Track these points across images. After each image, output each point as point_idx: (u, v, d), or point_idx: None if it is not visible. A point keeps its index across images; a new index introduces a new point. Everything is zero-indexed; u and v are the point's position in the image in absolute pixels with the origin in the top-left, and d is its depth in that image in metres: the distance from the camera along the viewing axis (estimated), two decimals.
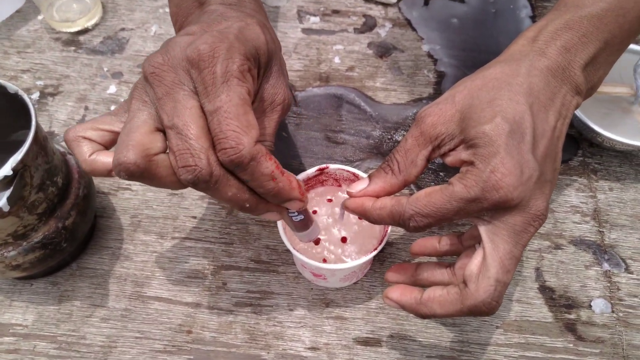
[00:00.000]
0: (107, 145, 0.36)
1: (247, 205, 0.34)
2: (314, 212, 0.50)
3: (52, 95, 0.62)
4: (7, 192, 0.39)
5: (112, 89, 0.63)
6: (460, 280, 0.39)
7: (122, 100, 0.62)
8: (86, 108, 0.62)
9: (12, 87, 0.42)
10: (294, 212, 0.38)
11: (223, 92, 0.31)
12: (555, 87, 0.37)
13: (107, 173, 0.35)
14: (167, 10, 0.70)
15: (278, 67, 0.37)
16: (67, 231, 0.46)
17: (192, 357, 0.47)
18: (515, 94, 0.35)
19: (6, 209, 0.39)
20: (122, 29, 0.68)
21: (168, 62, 0.33)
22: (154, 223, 0.54)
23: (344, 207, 0.40)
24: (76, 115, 0.61)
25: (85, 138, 0.35)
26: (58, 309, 0.49)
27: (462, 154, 0.36)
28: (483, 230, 0.36)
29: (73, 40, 0.67)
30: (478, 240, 0.40)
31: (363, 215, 0.39)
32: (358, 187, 0.40)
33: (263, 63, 0.36)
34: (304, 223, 0.39)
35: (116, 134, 0.36)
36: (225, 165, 0.32)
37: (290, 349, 0.47)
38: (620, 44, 0.39)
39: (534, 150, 0.35)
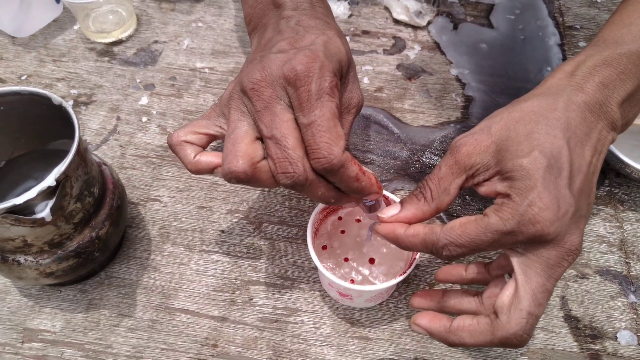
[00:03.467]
0: (205, 146, 0.41)
1: (332, 200, 0.39)
2: (342, 232, 0.50)
3: (86, 104, 0.64)
4: (50, 202, 0.40)
5: (144, 100, 0.64)
6: (488, 310, 0.39)
7: (154, 111, 0.63)
8: (118, 118, 0.63)
9: (57, 98, 0.44)
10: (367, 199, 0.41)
11: (317, 108, 0.36)
12: (592, 122, 0.37)
13: (210, 171, 0.40)
14: (200, 24, 0.71)
15: (354, 72, 0.42)
16: (100, 241, 0.47)
17: None
18: (553, 128, 0.36)
19: (49, 218, 0.39)
20: (155, 42, 0.70)
21: (266, 79, 0.37)
22: (182, 235, 0.54)
23: (375, 231, 0.41)
24: (108, 125, 0.62)
25: (187, 142, 0.40)
26: (86, 316, 0.50)
27: (498, 185, 0.36)
28: (516, 262, 0.37)
29: (107, 51, 0.69)
30: (506, 270, 0.40)
31: (394, 240, 0.39)
32: (390, 212, 0.40)
33: (344, 73, 0.40)
34: (375, 207, 0.42)
35: (211, 137, 0.41)
36: (317, 171, 0.36)
37: None
38: None
39: (571, 185, 0.35)
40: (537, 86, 0.40)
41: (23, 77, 0.66)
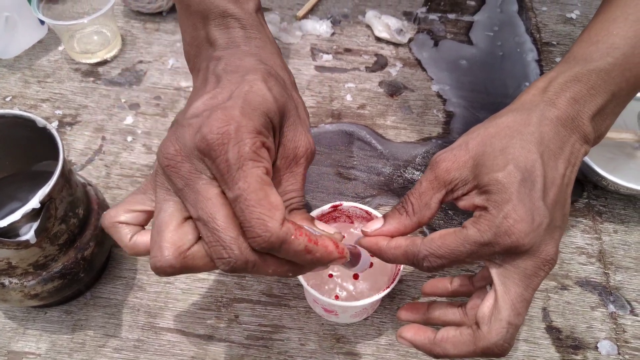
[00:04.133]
0: (144, 224, 0.36)
1: (291, 274, 0.34)
2: (343, 236, 0.51)
3: (71, 124, 0.64)
4: (35, 225, 0.40)
5: (129, 119, 0.65)
6: (472, 321, 0.39)
7: (139, 131, 0.63)
8: (103, 138, 0.63)
9: (41, 121, 0.44)
10: None
11: (240, 179, 0.31)
12: (565, 136, 0.38)
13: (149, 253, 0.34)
14: None
15: (294, 117, 0.37)
16: (85, 262, 0.47)
17: None
18: (527, 142, 0.37)
19: (33, 241, 0.40)
20: (140, 62, 0.70)
21: (181, 153, 0.32)
22: None
23: (359, 244, 0.41)
24: (93, 145, 0.62)
25: (121, 223, 0.35)
26: (71, 338, 0.50)
27: (476, 199, 0.37)
28: (495, 273, 0.37)
29: (92, 71, 0.69)
30: (489, 281, 0.41)
31: (377, 253, 0.40)
32: (373, 226, 0.41)
33: (277, 122, 0.35)
34: (352, 262, 0.39)
35: (149, 213, 0.36)
36: (257, 249, 0.32)
37: None
38: (626, 96, 0.40)
39: (545, 197, 0.36)
40: (512, 102, 0.41)
41: (7, 98, 0.66)
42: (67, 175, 0.44)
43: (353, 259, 0.39)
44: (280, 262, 0.33)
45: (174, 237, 0.32)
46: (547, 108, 0.38)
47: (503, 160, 0.36)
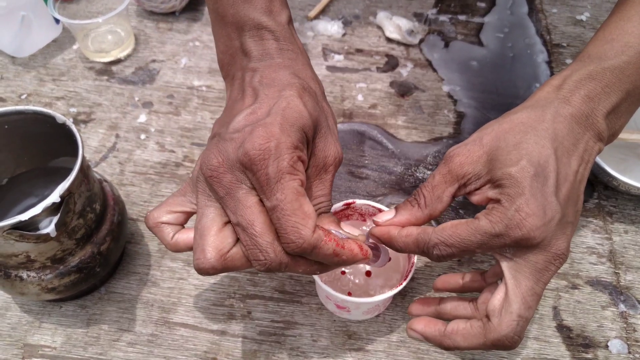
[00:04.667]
0: (184, 223, 0.40)
1: (318, 272, 0.38)
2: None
3: (85, 122, 0.65)
4: (55, 218, 0.40)
5: (143, 118, 0.65)
6: (483, 315, 0.40)
7: (152, 129, 0.64)
8: (117, 136, 0.64)
9: (60, 117, 0.45)
10: None
11: (278, 191, 0.34)
12: (579, 133, 0.38)
13: (190, 249, 0.38)
14: (197, 44, 0.73)
15: (325, 128, 0.39)
16: (101, 256, 0.48)
17: None
18: (541, 138, 0.37)
19: (53, 234, 0.40)
20: (153, 61, 0.71)
21: (223, 165, 0.35)
22: None
23: (370, 234, 0.42)
24: (107, 143, 0.63)
25: (164, 223, 0.39)
26: (86, 331, 0.50)
27: (489, 192, 0.38)
28: (505, 266, 0.38)
29: (106, 70, 0.70)
30: (500, 277, 0.42)
31: (388, 242, 0.41)
32: (385, 217, 0.42)
33: (310, 135, 0.37)
34: (373, 260, 0.40)
35: (188, 213, 0.40)
36: (290, 253, 0.35)
37: None
38: None
39: (557, 192, 0.36)
40: (527, 100, 0.41)
41: (23, 96, 0.67)
42: (85, 171, 0.44)
43: (374, 256, 0.40)
44: (310, 263, 0.36)
45: (216, 241, 0.35)
46: (562, 105, 0.39)
47: (516, 155, 0.37)
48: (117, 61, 0.71)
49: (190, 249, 0.38)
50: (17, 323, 0.51)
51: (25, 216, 0.39)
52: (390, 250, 0.43)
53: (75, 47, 0.72)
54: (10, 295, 0.48)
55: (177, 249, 0.39)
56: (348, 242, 0.36)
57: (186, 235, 0.39)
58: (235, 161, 0.35)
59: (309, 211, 0.34)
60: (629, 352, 0.50)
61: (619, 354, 0.50)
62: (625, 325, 0.51)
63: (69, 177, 0.41)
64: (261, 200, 0.35)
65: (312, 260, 0.36)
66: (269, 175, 0.34)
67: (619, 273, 0.54)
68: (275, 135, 0.34)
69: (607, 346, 0.50)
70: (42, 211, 0.40)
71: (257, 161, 0.34)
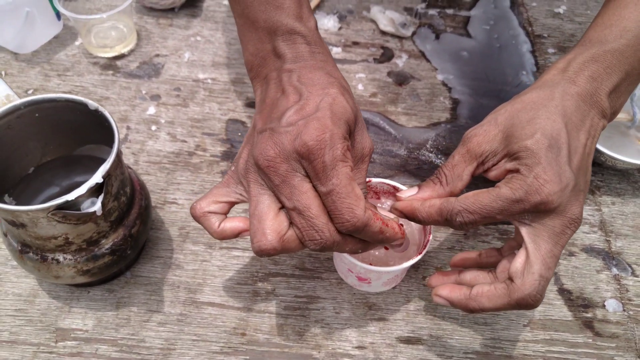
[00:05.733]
0: (226, 213, 0.43)
1: (361, 250, 0.42)
2: (400, 224, 0.54)
3: None
4: (100, 197, 0.42)
5: (152, 110, 0.67)
6: (503, 280, 0.43)
7: (162, 120, 0.66)
8: (128, 127, 0.65)
9: (93, 104, 0.46)
10: None
11: (333, 177, 0.37)
12: (585, 110, 0.42)
13: (236, 236, 0.42)
14: (199, 38, 0.75)
15: (361, 123, 0.42)
16: (132, 239, 0.49)
17: (248, 357, 0.50)
18: (552, 114, 0.41)
19: (100, 212, 0.42)
20: (157, 55, 0.73)
21: (280, 155, 0.38)
22: (202, 234, 0.57)
23: (393, 209, 0.45)
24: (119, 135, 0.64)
25: (210, 212, 0.42)
26: (116, 314, 0.52)
27: (507, 164, 0.41)
28: (525, 232, 0.41)
29: (111, 65, 0.71)
30: (516, 249, 0.45)
31: (411, 214, 0.44)
32: (408, 193, 0.45)
33: (353, 128, 0.41)
34: (401, 245, 0.44)
35: (232, 204, 0.43)
36: (342, 232, 0.39)
37: (339, 348, 0.51)
38: (638, 75, 0.45)
39: (570, 162, 0.40)
40: (535, 82, 0.45)
41: (30, 91, 0.67)
42: (119, 155, 0.46)
43: (400, 244, 0.44)
44: (356, 241, 0.40)
45: (274, 224, 0.39)
46: (568, 85, 0.43)
47: (531, 130, 0.40)
48: (121, 56, 0.72)
49: (236, 235, 0.42)
50: (46, 309, 0.52)
51: (71, 196, 0.41)
52: (405, 225, 0.47)
53: (77, 43, 0.73)
54: (44, 278, 0.49)
55: (224, 236, 0.42)
56: (391, 222, 0.41)
57: (232, 224, 0.42)
58: (291, 151, 0.38)
59: (359, 194, 0.38)
60: (624, 310, 0.54)
61: (615, 312, 0.54)
62: (618, 287, 0.56)
63: (108, 159, 0.43)
64: (314, 187, 0.38)
65: (359, 238, 0.40)
66: (325, 163, 0.37)
67: (609, 240, 0.59)
68: (329, 127, 0.38)
69: (604, 306, 0.55)
70: (87, 191, 0.41)
71: (315, 150, 0.37)
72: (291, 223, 0.39)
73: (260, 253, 0.38)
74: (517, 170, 0.40)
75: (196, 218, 0.42)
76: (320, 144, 0.37)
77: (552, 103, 0.42)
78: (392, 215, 0.43)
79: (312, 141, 0.37)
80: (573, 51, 0.45)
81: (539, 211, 0.40)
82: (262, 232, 0.38)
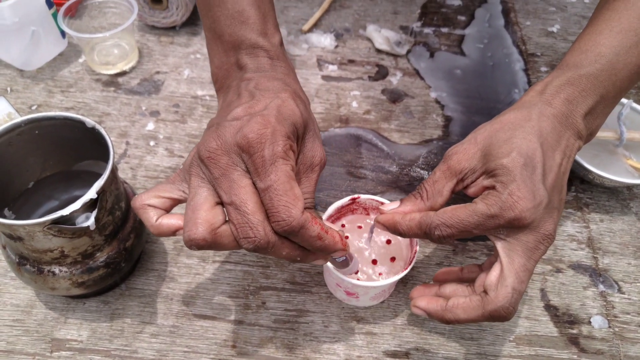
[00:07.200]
0: (169, 209, 0.42)
1: (299, 259, 0.41)
2: (346, 237, 0.55)
3: None
4: (94, 212, 0.44)
5: (151, 125, 0.69)
6: (479, 292, 0.44)
7: (161, 136, 0.68)
8: (127, 143, 0.67)
9: (90, 122, 0.48)
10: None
11: (272, 173, 0.37)
12: (561, 131, 0.44)
13: (172, 233, 0.41)
14: (198, 56, 0.77)
15: (313, 131, 0.43)
16: (126, 252, 0.51)
17: None
18: (528, 134, 0.43)
19: (93, 227, 0.44)
20: (157, 72, 0.75)
21: (221, 147, 0.38)
22: None
23: (376, 222, 0.46)
24: (118, 149, 0.66)
25: (150, 206, 0.41)
26: (110, 325, 0.53)
27: (484, 182, 0.43)
28: (500, 246, 0.43)
29: (112, 82, 0.73)
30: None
31: (393, 227, 0.45)
32: (390, 207, 0.46)
33: (300, 133, 0.41)
34: (345, 262, 0.45)
35: (175, 200, 0.42)
36: (278, 233, 0.38)
37: None
38: (613, 98, 0.47)
39: (544, 180, 0.42)
40: (514, 104, 0.47)
41: (33, 107, 0.70)
42: (114, 171, 0.48)
43: (345, 262, 0.45)
44: (294, 247, 0.39)
45: (208, 215, 0.38)
46: (545, 107, 0.44)
47: (507, 149, 0.42)
48: (123, 73, 0.74)
49: (173, 233, 0.41)
50: (43, 319, 0.53)
51: (66, 211, 0.42)
52: (393, 240, 0.48)
53: (80, 60, 0.75)
54: (40, 290, 0.51)
55: (160, 231, 0.41)
56: (331, 230, 0.40)
57: (169, 220, 0.41)
58: (232, 144, 0.38)
59: (298, 194, 0.38)
60: (609, 327, 0.55)
61: (601, 329, 0.55)
62: (605, 303, 0.57)
63: (103, 176, 0.45)
64: (253, 184, 0.38)
65: (296, 244, 0.39)
66: (264, 158, 0.37)
67: (597, 257, 0.60)
68: (272, 123, 0.38)
69: (589, 322, 0.55)
70: (81, 207, 0.43)
71: (255, 144, 0.37)
72: (228, 220, 0.39)
73: (190, 243, 0.38)
74: (493, 187, 0.42)
75: (135, 209, 0.41)
76: (261, 138, 0.37)
77: (529, 124, 0.43)
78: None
79: (252, 134, 0.37)
80: (551, 75, 0.47)
81: (513, 227, 0.41)
82: (194, 222, 0.37)
